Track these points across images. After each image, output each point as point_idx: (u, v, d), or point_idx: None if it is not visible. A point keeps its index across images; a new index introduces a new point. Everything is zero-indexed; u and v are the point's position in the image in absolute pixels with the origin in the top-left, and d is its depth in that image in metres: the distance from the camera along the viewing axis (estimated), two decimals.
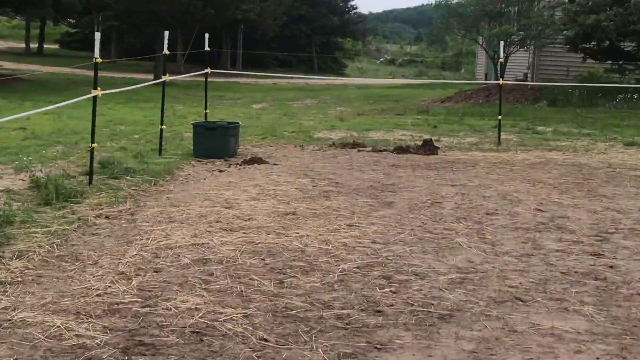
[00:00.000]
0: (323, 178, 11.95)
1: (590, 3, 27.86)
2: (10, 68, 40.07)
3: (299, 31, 67.38)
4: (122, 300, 5.98)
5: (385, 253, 7.59)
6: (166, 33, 14.22)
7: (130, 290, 6.21)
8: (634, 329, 5.62)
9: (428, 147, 15.52)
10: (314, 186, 11.23)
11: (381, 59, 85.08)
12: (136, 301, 5.97)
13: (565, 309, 6.06)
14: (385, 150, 15.53)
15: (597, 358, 5.11)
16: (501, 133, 17.48)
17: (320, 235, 8.23)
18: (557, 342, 5.36)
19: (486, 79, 36.46)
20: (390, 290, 6.43)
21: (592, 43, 28.82)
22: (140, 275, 6.65)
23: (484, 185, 11.59)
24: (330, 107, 28.09)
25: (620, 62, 29.16)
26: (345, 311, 5.87)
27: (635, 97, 26.78)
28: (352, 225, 8.74)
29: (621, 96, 26.84)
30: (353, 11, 76.85)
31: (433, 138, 16.56)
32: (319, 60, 69.05)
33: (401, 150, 15.42)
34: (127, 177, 11.30)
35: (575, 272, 7.08)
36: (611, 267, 7.28)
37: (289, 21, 62.20)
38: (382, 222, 8.93)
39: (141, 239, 7.89)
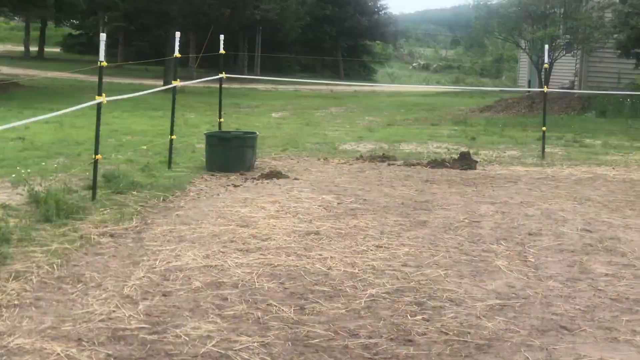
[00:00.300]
0: (349, 194, 11.97)
1: None
2: (8, 73, 40.43)
3: (324, 33, 67.54)
4: (128, 326, 6.01)
5: (418, 277, 7.58)
6: (177, 34, 14.31)
7: (136, 316, 6.24)
8: None
9: (465, 161, 15.50)
10: (339, 203, 11.25)
11: (414, 64, 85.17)
12: (143, 327, 6.00)
13: (615, 339, 6.03)
14: (418, 164, 15.52)
15: None
16: (545, 146, 17.43)
17: (345, 257, 8.24)
18: None
19: (529, 87, 36.38)
20: (423, 317, 6.42)
21: None
22: (147, 299, 6.68)
23: (527, 203, 11.57)
24: (357, 116, 28.13)
25: None
26: (372, 340, 5.87)
27: None
28: (381, 247, 8.74)
29: None
30: (383, 12, 76.97)
31: (471, 151, 16.53)
32: (346, 65, 69.20)
33: (436, 164, 15.41)
34: (134, 192, 11.36)
35: (626, 298, 7.04)
36: None
37: (313, 22, 62.41)
38: (414, 243, 8.93)
39: (148, 260, 7.93)
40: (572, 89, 32.06)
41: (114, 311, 6.33)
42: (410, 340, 5.91)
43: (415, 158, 16.32)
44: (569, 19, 30.73)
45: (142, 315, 6.26)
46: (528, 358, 5.60)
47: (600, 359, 5.62)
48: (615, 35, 29.15)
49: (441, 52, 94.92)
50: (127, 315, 6.25)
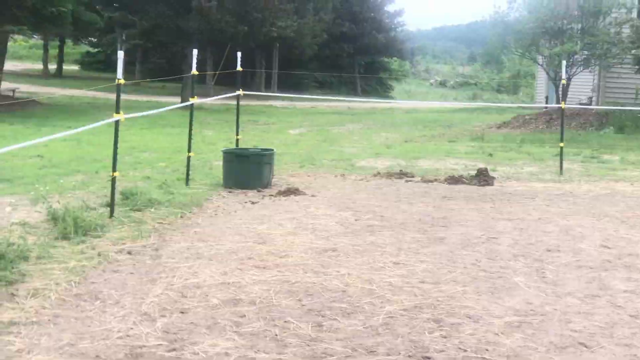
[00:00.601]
0: (366, 211, 11.97)
1: None
2: (26, 91, 40.69)
3: (341, 50, 67.73)
4: (146, 344, 6.02)
5: (436, 294, 7.57)
6: (195, 51, 14.37)
7: (154, 333, 6.25)
8: None
9: (483, 177, 15.49)
10: (356, 220, 11.25)
11: (431, 81, 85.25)
12: (161, 345, 6.01)
13: (635, 355, 6.00)
14: (435, 180, 15.51)
15: None
16: (563, 162, 17.39)
17: (363, 274, 8.23)
18: None
19: (547, 103, 36.33)
20: (441, 334, 6.41)
21: None
22: (165, 316, 6.69)
23: (545, 220, 11.54)
24: (374, 132, 28.15)
25: None
26: (390, 357, 5.87)
27: None
28: (399, 263, 8.73)
29: None
30: (400, 28, 77.15)
31: (488, 167, 16.51)
32: (363, 82, 69.34)
33: (453, 180, 15.41)
34: (152, 209, 11.40)
35: None
36: None
37: (330, 39, 62.54)
38: (431, 260, 8.92)
39: (166, 277, 7.94)
40: (590, 104, 31.99)
41: (131, 328, 6.35)
42: (428, 357, 5.90)
43: (432, 174, 16.30)
44: (587, 34, 30.67)
45: (159, 332, 6.27)
46: None
47: None
48: (633, 51, 29.10)
49: (458, 69, 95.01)
50: (144, 332, 6.26)
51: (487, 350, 6.05)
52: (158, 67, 59.96)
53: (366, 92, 67.94)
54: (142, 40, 51.28)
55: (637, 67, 29.12)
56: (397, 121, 34.51)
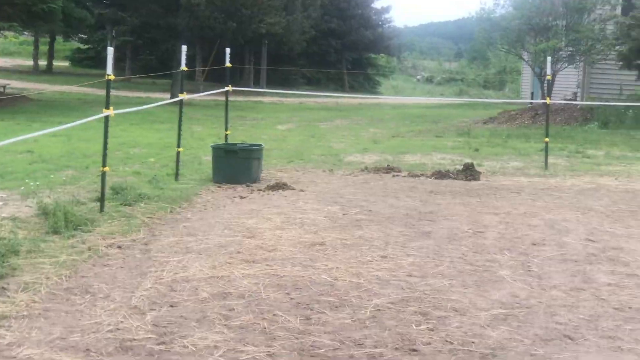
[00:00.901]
0: (354, 205, 11.97)
1: None
2: (17, 87, 40.53)
3: (329, 46, 67.66)
4: (136, 337, 6.00)
5: (422, 287, 7.57)
6: (184, 48, 14.33)
7: (144, 326, 6.24)
8: None
9: (469, 172, 15.50)
10: (344, 214, 11.25)
11: (418, 77, 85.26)
12: (150, 338, 6.00)
13: (619, 347, 6.01)
14: (422, 175, 15.52)
15: None
16: (548, 157, 17.41)
17: (350, 267, 8.23)
18: None
19: (532, 98, 36.40)
20: (428, 327, 6.41)
21: None
22: (154, 309, 6.68)
23: (530, 214, 11.55)
24: (362, 128, 28.15)
25: None
26: (377, 350, 5.86)
27: None
28: (386, 257, 8.73)
29: None
30: (387, 25, 77.04)
31: (474, 162, 16.53)
32: (350, 78, 69.28)
33: (440, 175, 15.42)
34: (141, 204, 11.37)
35: (630, 307, 7.03)
36: None
37: (318, 36, 62.52)
38: (418, 254, 8.92)
39: (156, 271, 7.93)
40: (575, 100, 32.05)
41: (121, 322, 6.33)
42: (415, 350, 5.90)
43: (419, 169, 16.32)
44: (571, 31, 30.74)
45: (149, 326, 6.25)
46: None
47: None
48: (617, 47, 29.14)
49: (445, 65, 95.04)
50: (134, 325, 6.25)
51: (473, 342, 6.05)
52: (148, 63, 59.73)
53: (354, 88, 67.87)
54: (132, 37, 51.25)
55: (620, 63, 29.17)
56: (385, 117, 34.51)
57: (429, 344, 6.03)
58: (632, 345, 6.05)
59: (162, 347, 5.82)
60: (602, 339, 6.21)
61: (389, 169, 16.23)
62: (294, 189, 13.38)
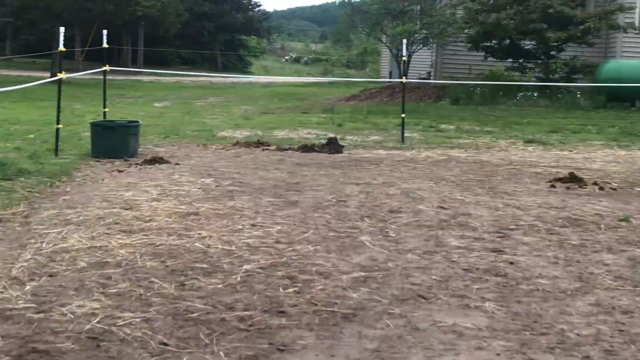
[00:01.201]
0: (226, 177, 11.88)
1: (491, 2, 28.47)
2: None
3: (202, 29, 67.09)
4: (15, 306, 5.81)
5: (289, 253, 7.56)
6: (62, 29, 13.92)
7: (23, 296, 6.04)
8: (533, 325, 5.72)
9: (333, 146, 15.60)
10: (217, 186, 11.15)
11: (286, 57, 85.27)
12: (30, 307, 5.81)
13: (467, 305, 6.13)
14: (290, 149, 15.53)
15: (498, 354, 5.18)
16: (405, 131, 17.65)
17: (223, 235, 8.16)
18: (458, 338, 5.42)
19: (390, 77, 36.84)
20: (294, 290, 6.40)
21: (493, 41, 29.43)
22: (34, 280, 6.48)
23: (388, 183, 11.68)
24: (234, 105, 27.99)
25: (521, 61, 29.81)
26: (247, 313, 5.83)
27: (536, 94, 27.42)
28: (256, 225, 8.69)
29: (521, 94, 27.50)
30: (257, 8, 76.87)
31: (338, 136, 16.64)
32: (224, 59, 68.87)
33: (306, 149, 15.45)
34: (22, 179, 11.02)
35: (477, 269, 7.17)
36: (512, 263, 7.40)
37: (192, 18, 61.89)
38: (286, 222, 8.91)
39: (35, 243, 7.69)
40: (429, 79, 32.58)
41: (1, 292, 6.11)
42: (282, 312, 5.88)
43: (287, 143, 16.31)
44: (425, 15, 31.24)
45: (29, 296, 6.06)
46: (389, 325, 5.64)
47: (453, 324, 5.70)
48: (466, 31, 29.73)
49: (311, 46, 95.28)
50: (14, 295, 6.04)
51: (336, 303, 6.08)
52: (29, 43, 57.95)
53: (227, 68, 67.48)
54: (12, 18, 49.59)
55: (469, 45, 29.78)
56: (255, 95, 34.40)
57: (296, 305, 6.02)
58: (478, 303, 6.17)
59: (41, 315, 5.64)
60: (452, 297, 6.32)
61: (259, 144, 16.17)
62: (169, 163, 13.20)
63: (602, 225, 9.09)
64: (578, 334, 5.57)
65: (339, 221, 9.03)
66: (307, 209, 9.68)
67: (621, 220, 9.39)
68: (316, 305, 6.04)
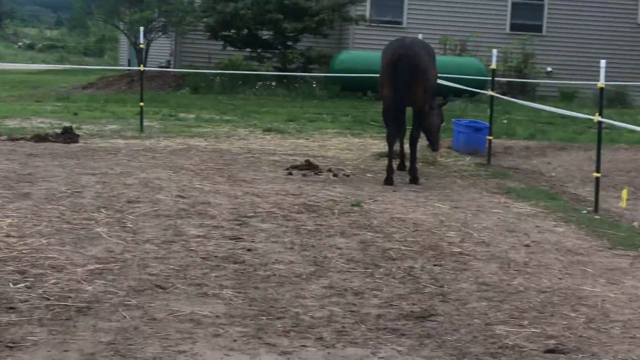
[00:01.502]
0: None
1: None
2: None
3: None
4: None
5: (20, 247, 7.28)
6: None
7: None
8: (270, 310, 5.85)
9: (68, 135, 15.13)
10: None
11: (20, 44, 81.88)
12: None
13: (205, 293, 6.17)
14: (22, 139, 14.88)
15: (235, 340, 5.25)
16: (144, 120, 17.42)
17: None
18: (196, 327, 5.44)
19: (129, 66, 36.24)
20: (25, 285, 6.18)
21: (232, 31, 29.68)
22: None
23: (126, 173, 11.49)
24: None
25: (259, 50, 30.26)
26: None
27: (274, 84, 27.95)
28: None
29: (260, 83, 27.90)
30: None
31: (74, 126, 16.16)
32: None
33: (39, 138, 14.88)
34: None
35: (215, 256, 7.23)
36: (249, 250, 7.52)
37: None
38: (17, 215, 8.55)
39: None
40: (169, 67, 32.36)
41: None
42: (12, 308, 5.66)
43: (19, 133, 15.63)
44: (163, 3, 30.97)
45: None
46: (125, 316, 5.58)
47: (191, 312, 5.72)
48: (205, 19, 29.78)
49: (46, 32, 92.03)
50: None
51: (69, 297, 5.93)
52: None
53: None
54: None
55: (208, 33, 29.87)
56: None
57: (27, 301, 5.82)
58: (216, 291, 6.23)
59: None
60: (190, 286, 6.34)
61: None
62: None
63: (336, 211, 9.44)
64: (312, 317, 5.76)
65: (74, 213, 8.78)
66: (40, 200, 9.34)
67: (353, 205, 9.79)
68: (48, 299, 5.87)
